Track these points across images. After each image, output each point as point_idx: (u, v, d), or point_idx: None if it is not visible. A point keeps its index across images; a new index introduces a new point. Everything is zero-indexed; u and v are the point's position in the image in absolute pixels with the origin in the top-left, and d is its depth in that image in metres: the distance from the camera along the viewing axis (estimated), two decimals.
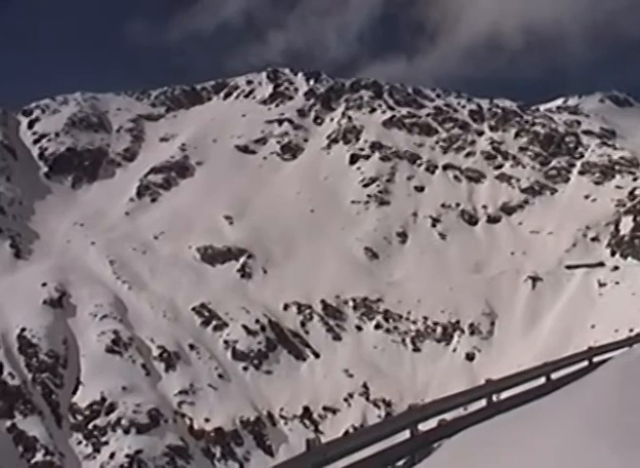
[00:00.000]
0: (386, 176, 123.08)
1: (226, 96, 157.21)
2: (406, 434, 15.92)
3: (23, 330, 77.34)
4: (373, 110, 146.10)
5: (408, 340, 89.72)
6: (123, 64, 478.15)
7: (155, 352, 79.47)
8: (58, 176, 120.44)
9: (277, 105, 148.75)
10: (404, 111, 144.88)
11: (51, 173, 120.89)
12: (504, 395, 20.75)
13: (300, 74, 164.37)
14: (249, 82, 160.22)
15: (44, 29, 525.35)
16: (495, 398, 19.96)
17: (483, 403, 19.55)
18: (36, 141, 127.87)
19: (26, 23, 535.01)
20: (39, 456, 64.89)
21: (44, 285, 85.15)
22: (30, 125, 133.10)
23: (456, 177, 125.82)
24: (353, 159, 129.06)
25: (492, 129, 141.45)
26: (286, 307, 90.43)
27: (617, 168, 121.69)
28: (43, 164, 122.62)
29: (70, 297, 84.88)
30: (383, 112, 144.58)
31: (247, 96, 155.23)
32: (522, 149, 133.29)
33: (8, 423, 67.39)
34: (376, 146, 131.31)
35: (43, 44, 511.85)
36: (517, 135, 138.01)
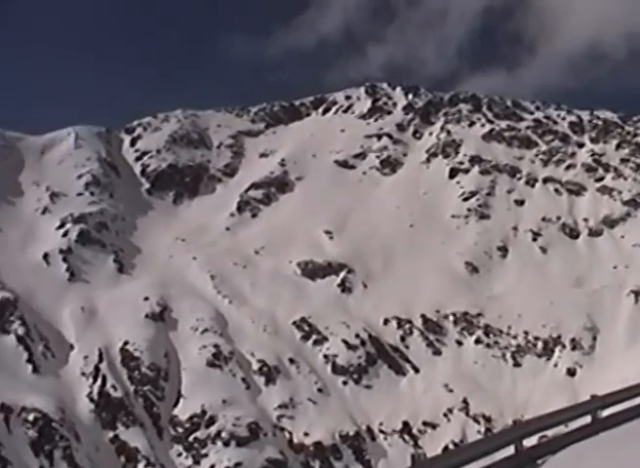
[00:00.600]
0: (486, 190, 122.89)
1: (325, 111, 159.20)
2: (510, 450, 16.14)
3: (126, 343, 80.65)
4: (472, 124, 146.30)
5: (508, 355, 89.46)
6: (223, 81, 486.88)
7: (255, 366, 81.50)
8: (159, 193, 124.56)
9: (376, 120, 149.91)
10: (503, 124, 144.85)
11: (153, 189, 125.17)
12: (608, 411, 20.30)
13: (398, 88, 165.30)
14: (347, 97, 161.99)
15: (145, 48, 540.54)
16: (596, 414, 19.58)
17: (587, 419, 19.34)
18: (138, 158, 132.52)
19: (128, 44, 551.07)
20: (140, 467, 67.78)
21: (146, 299, 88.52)
22: (133, 142, 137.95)
23: (556, 190, 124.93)
24: (453, 173, 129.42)
25: (592, 141, 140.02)
26: (386, 322, 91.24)
27: None
28: (145, 180, 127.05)
29: (172, 311, 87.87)
30: (482, 125, 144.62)
31: (346, 111, 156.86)
32: (623, 161, 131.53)
33: (111, 434, 70.61)
34: (475, 160, 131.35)
35: (144, 63, 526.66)
36: (618, 146, 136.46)
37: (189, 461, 70.57)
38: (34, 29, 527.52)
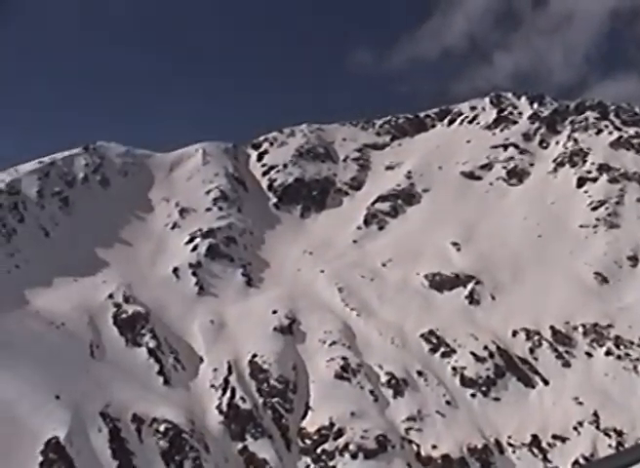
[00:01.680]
0: (615, 199, 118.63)
1: (450, 122, 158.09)
2: None
3: (255, 355, 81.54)
4: (599, 131, 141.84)
5: None
6: (347, 95, 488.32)
7: (383, 378, 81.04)
8: (286, 206, 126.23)
9: (502, 130, 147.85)
10: (631, 131, 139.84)
11: (280, 203, 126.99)
12: None
13: (523, 98, 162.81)
14: (472, 108, 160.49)
15: (271, 64, 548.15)
16: None
17: None
18: (265, 173, 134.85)
19: (254, 60, 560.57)
20: None
21: (274, 312, 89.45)
22: (260, 157, 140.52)
23: None
24: (580, 182, 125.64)
25: None
26: (514, 333, 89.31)
27: None
28: (272, 195, 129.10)
29: (300, 324, 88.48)
30: (610, 133, 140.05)
31: (471, 121, 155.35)
32: None
33: (240, 445, 71.36)
34: (603, 168, 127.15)
35: (269, 78, 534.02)
36: None
37: None
38: (158, 48, 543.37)
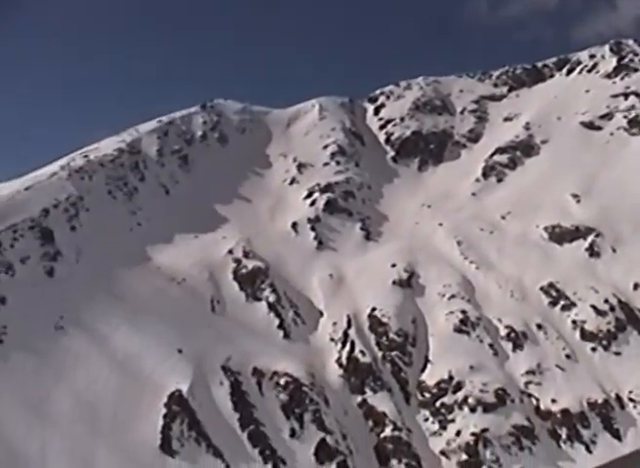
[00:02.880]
0: None
1: (569, 72, 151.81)
2: None
3: (374, 309, 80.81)
4: None
5: None
6: (464, 46, 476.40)
7: (502, 332, 79.14)
8: (404, 160, 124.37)
9: (622, 78, 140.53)
10: None
11: (397, 157, 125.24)
12: None
13: None
14: (591, 56, 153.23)
15: (385, 17, 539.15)
16: None
17: None
18: (382, 127, 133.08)
19: (367, 14, 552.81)
20: (388, 431, 67.46)
21: (393, 265, 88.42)
22: (376, 111, 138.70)
23: None
24: None
25: None
26: (636, 287, 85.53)
27: None
28: (390, 148, 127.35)
29: (419, 278, 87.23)
30: None
31: (590, 70, 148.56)
32: None
33: (359, 399, 71.00)
34: None
35: (383, 32, 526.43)
36: None
37: (436, 426, 69.68)
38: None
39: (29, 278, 72.93)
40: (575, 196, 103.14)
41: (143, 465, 55.97)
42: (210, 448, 59.57)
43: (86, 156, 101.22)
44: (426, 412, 70.96)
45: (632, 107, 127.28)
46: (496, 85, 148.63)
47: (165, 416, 59.94)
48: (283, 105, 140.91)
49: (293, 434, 64.29)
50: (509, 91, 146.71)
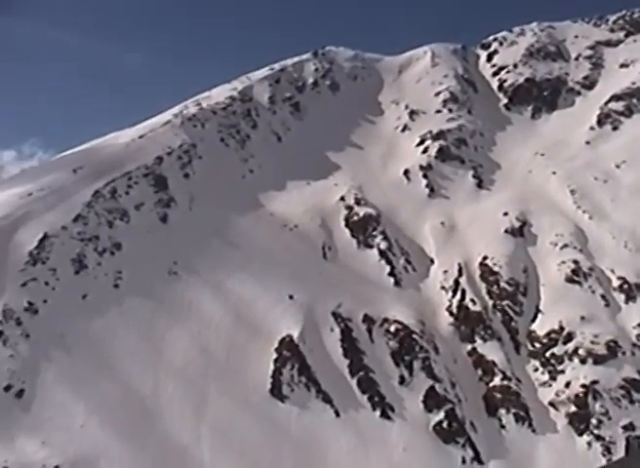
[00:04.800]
0: None
1: None
2: None
3: (485, 258, 78.51)
4: None
5: None
6: None
7: (615, 283, 75.57)
8: (517, 107, 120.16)
9: None
10: None
11: (510, 104, 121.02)
12: None
13: None
14: None
15: None
16: None
17: None
18: (495, 74, 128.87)
19: None
20: (497, 380, 65.54)
21: (505, 214, 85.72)
22: (489, 58, 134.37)
23: None
24: None
25: None
26: None
27: None
28: (502, 95, 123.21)
29: (531, 227, 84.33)
30: None
31: None
32: None
33: (469, 347, 69.23)
34: None
35: None
36: None
37: (545, 377, 67.34)
38: None
39: (143, 224, 73.31)
40: None
41: (254, 409, 55.81)
42: (319, 393, 58.91)
43: (198, 104, 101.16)
44: (536, 363, 68.72)
45: None
46: (612, 30, 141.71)
47: (276, 361, 59.55)
48: (395, 52, 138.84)
49: (402, 381, 63.02)
50: (626, 36, 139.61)
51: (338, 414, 58.01)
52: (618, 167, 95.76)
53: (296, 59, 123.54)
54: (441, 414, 60.70)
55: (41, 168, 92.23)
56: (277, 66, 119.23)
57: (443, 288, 75.83)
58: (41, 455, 46.27)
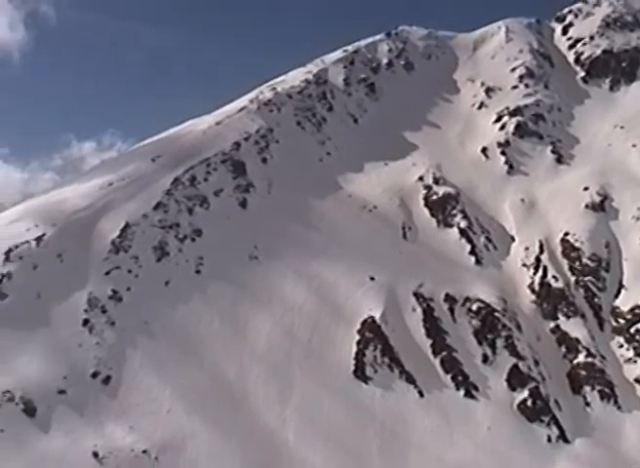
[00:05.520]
0: None
1: None
2: None
3: (566, 234, 77.23)
4: None
5: None
6: None
7: None
8: (595, 80, 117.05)
9: None
10: None
11: (588, 77, 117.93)
12: None
13: None
14: None
15: None
16: None
17: None
18: (571, 47, 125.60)
19: None
20: (581, 358, 64.57)
21: (586, 189, 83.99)
22: (564, 31, 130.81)
23: None
24: None
25: None
26: None
27: None
28: (579, 68, 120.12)
29: (612, 201, 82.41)
30: None
31: None
32: None
33: (551, 324, 68.31)
34: None
35: None
36: None
37: (630, 353, 66.10)
38: None
39: (223, 210, 73.65)
40: None
41: (338, 391, 55.91)
42: (402, 373, 58.73)
43: (274, 89, 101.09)
44: (620, 339, 67.53)
45: None
46: None
47: (358, 343, 59.50)
48: (468, 29, 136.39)
49: (485, 360, 62.48)
50: None
51: (421, 395, 57.85)
52: None
53: (369, 40, 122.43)
54: (525, 393, 60.13)
55: (120, 158, 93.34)
56: (351, 48, 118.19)
57: (524, 265, 74.88)
58: (129, 440, 46.84)
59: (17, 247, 60.81)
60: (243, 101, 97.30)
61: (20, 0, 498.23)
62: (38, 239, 62.38)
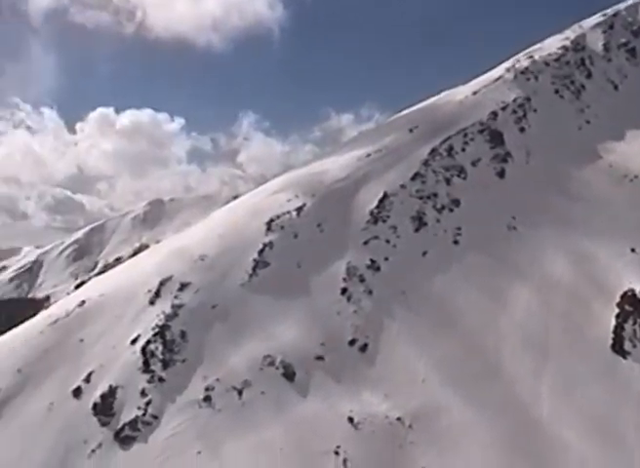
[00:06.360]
0: None
1: None
2: None
3: None
4: None
5: None
6: None
7: None
8: None
9: None
10: None
11: None
12: None
13: None
14: None
15: None
16: None
17: None
18: None
19: None
20: None
21: None
22: None
23: None
24: None
25: None
26: None
27: None
28: None
29: None
30: None
31: None
32: None
33: None
34: None
35: None
36: None
37: None
38: None
39: (480, 180, 73.23)
40: None
41: (595, 365, 53.98)
42: None
43: (531, 57, 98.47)
44: None
45: None
46: None
47: (617, 316, 57.03)
48: None
49: None
50: None
51: None
52: None
53: (630, 2, 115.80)
54: None
55: (378, 129, 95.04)
56: (610, 11, 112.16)
57: None
58: (384, 407, 47.93)
59: (278, 217, 63.97)
60: (499, 71, 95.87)
61: None
62: (299, 209, 65.21)
